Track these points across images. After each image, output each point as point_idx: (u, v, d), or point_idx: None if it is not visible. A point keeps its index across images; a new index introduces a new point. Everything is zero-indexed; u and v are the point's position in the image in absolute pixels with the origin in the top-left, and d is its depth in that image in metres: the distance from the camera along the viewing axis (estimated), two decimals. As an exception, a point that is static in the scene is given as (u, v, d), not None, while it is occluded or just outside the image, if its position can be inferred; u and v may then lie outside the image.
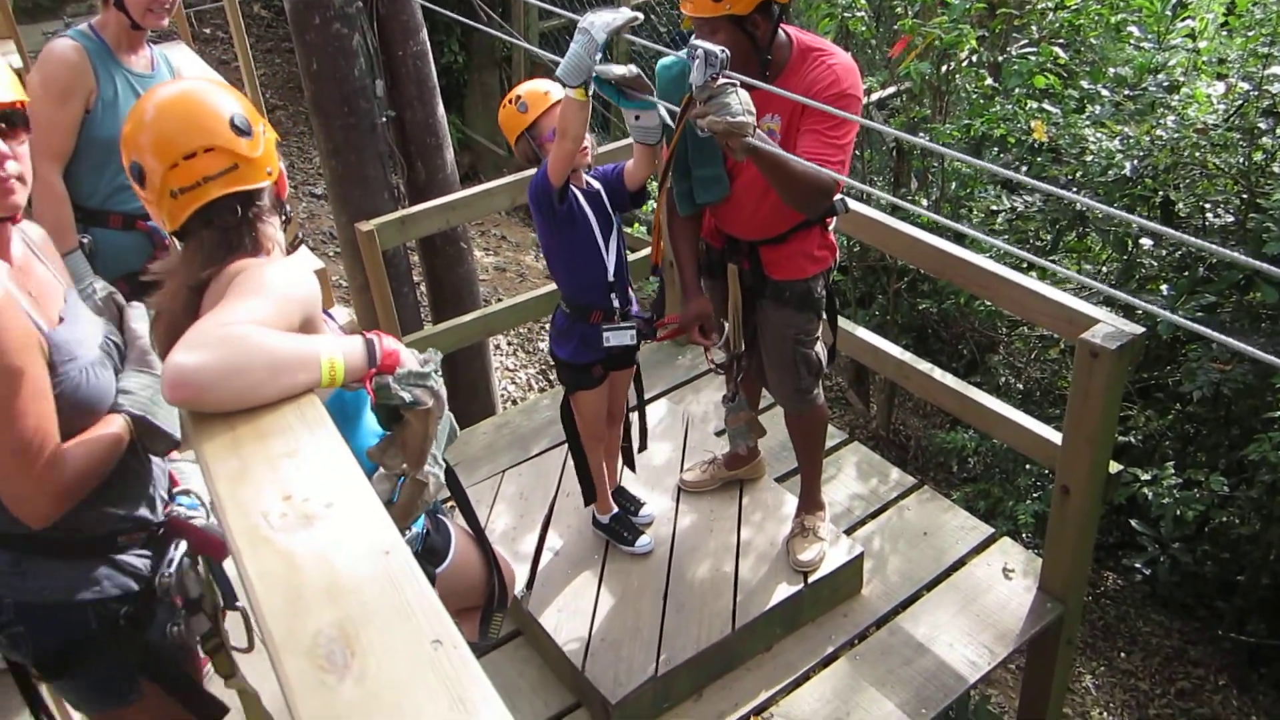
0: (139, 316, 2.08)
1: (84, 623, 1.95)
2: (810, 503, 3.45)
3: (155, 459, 2.10)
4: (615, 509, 3.46)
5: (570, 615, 3.21)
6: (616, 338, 3.02)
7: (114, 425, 1.88)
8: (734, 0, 2.57)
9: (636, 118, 2.69)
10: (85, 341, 1.91)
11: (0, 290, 1.70)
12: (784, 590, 3.24)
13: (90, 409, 1.87)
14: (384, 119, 4.51)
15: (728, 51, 2.28)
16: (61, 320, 1.89)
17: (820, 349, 3.16)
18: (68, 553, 1.94)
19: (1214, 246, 1.43)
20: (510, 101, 2.91)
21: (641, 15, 2.45)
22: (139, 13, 3.11)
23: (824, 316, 3.12)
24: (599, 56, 2.46)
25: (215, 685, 2.26)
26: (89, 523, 1.93)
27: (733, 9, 2.57)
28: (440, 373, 1.76)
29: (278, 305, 1.60)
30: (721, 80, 2.29)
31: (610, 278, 2.97)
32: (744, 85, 2.33)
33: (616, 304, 3.02)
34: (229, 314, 1.55)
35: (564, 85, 2.52)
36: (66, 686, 2.10)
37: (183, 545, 2.06)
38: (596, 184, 2.95)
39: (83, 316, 1.97)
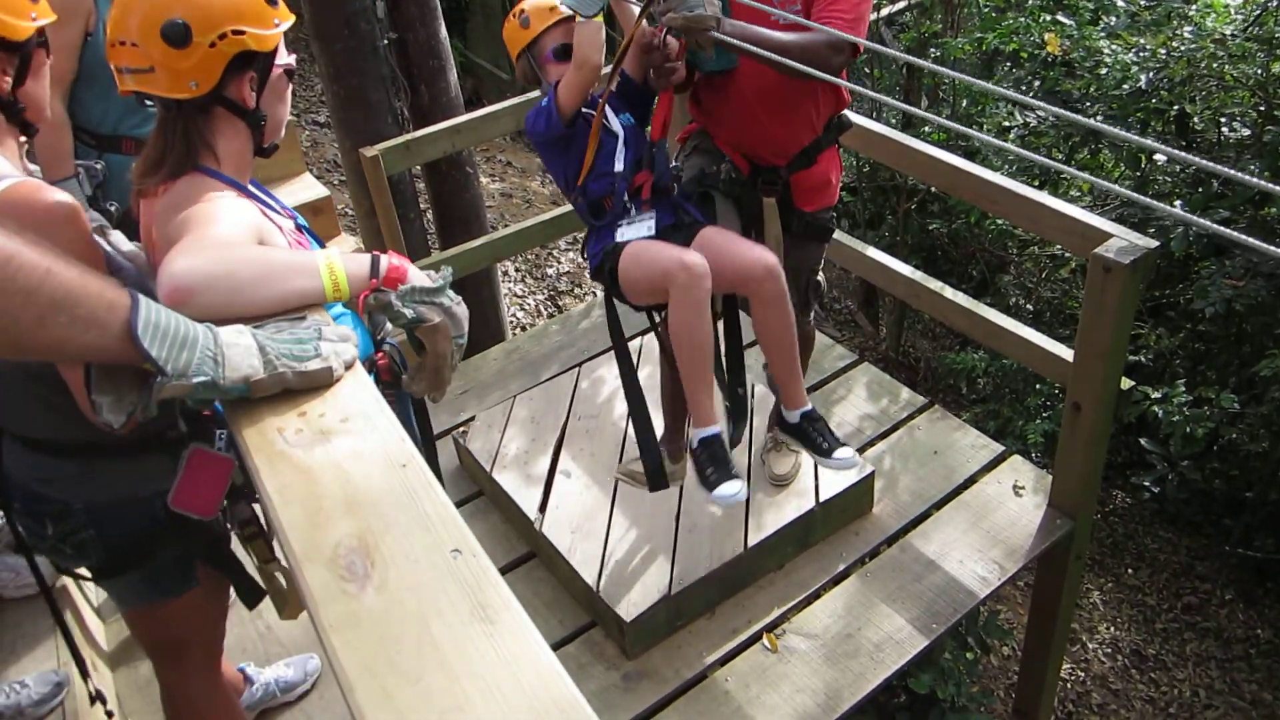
0: (121, 239, 2.08)
1: (152, 514, 2.02)
2: None
3: None
4: (717, 426, 2.64)
5: (584, 536, 3.24)
6: (631, 231, 2.64)
7: None
8: None
9: None
10: (118, 257, 1.93)
11: (69, 197, 1.71)
12: (796, 509, 3.27)
13: None
14: (385, 41, 4.43)
15: None
16: None
17: (821, 274, 3.13)
18: (129, 451, 2.00)
19: (1219, 167, 1.40)
20: (514, 15, 2.73)
21: None
22: None
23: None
24: None
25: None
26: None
27: None
28: (453, 293, 1.70)
29: (243, 227, 1.60)
30: None
31: (619, 168, 2.66)
32: None
33: (628, 200, 2.67)
34: (212, 228, 1.54)
35: (579, 15, 2.40)
36: (123, 584, 2.18)
37: (225, 432, 2.09)
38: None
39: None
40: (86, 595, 3.23)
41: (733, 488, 2.53)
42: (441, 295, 1.64)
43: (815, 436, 2.73)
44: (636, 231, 2.64)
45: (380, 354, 2.00)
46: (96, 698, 2.39)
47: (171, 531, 2.06)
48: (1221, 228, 1.28)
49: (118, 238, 2.06)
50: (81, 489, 2.01)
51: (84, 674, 2.38)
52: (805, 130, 2.78)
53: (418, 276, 1.63)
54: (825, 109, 2.78)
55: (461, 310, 1.68)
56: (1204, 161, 1.53)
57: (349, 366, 1.38)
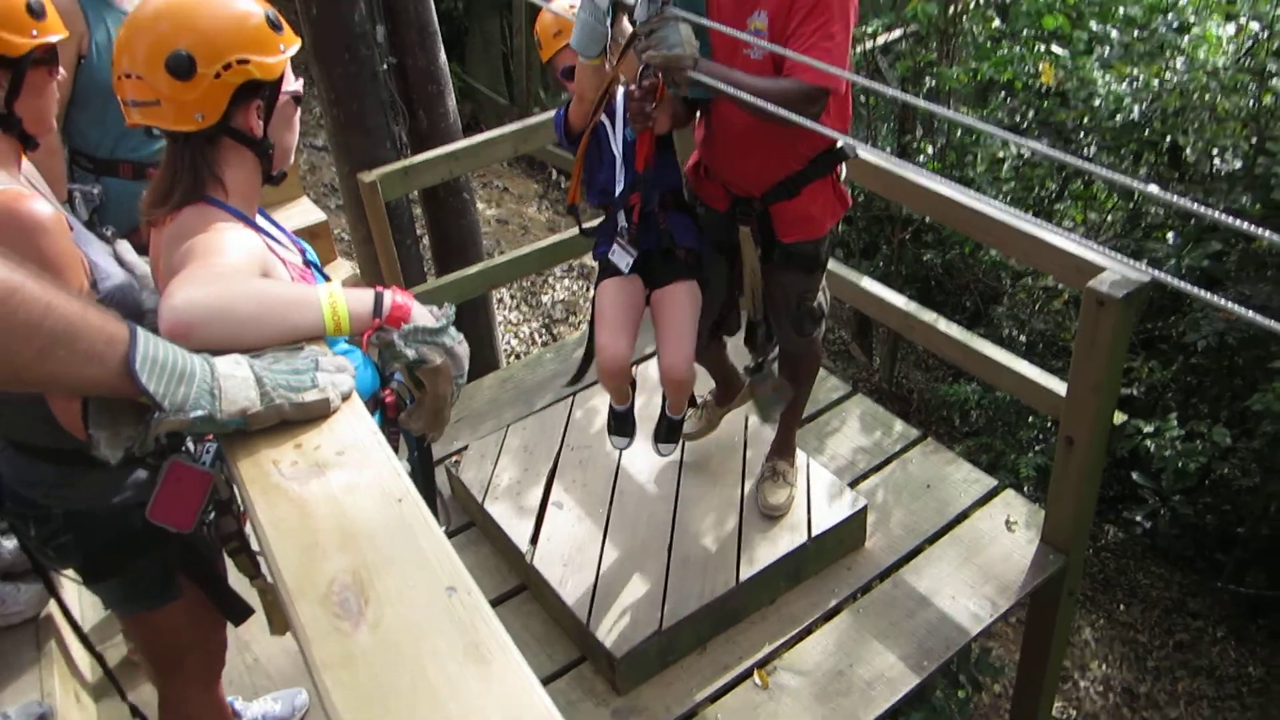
0: (127, 249, 2.10)
1: (129, 523, 2.04)
2: (784, 447, 3.45)
3: None
4: (629, 403, 3.27)
5: (575, 569, 3.22)
6: (619, 255, 2.96)
7: None
8: None
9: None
10: (109, 262, 1.96)
11: (48, 208, 1.71)
12: (788, 543, 3.25)
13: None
14: (385, 66, 4.44)
15: None
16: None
17: (822, 298, 3.14)
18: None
19: (1200, 208, 1.41)
20: (535, 32, 2.97)
21: None
22: None
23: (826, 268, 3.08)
24: (609, 20, 2.37)
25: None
26: None
27: None
28: (455, 332, 1.69)
29: (246, 259, 1.59)
30: (668, 11, 2.25)
31: (618, 190, 2.88)
32: (690, 21, 2.30)
33: (623, 221, 2.93)
34: (215, 259, 1.53)
35: (580, 57, 2.48)
36: (108, 589, 2.21)
37: (215, 445, 2.09)
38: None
39: (94, 241, 2.00)
40: (75, 622, 3.19)
41: (622, 441, 3.33)
42: (444, 335, 1.63)
43: (662, 430, 3.33)
44: (620, 259, 2.96)
45: (387, 390, 1.99)
46: None
47: (150, 543, 2.07)
48: (1188, 286, 1.28)
49: (124, 247, 2.08)
50: (60, 495, 2.04)
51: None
52: (781, 164, 2.79)
53: (421, 315, 1.62)
54: (811, 143, 2.75)
55: (463, 350, 1.67)
56: (1186, 202, 1.53)
57: (346, 398, 1.37)
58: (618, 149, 2.84)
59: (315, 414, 1.33)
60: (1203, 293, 1.41)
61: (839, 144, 2.80)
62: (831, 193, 2.90)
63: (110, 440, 1.29)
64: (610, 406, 3.29)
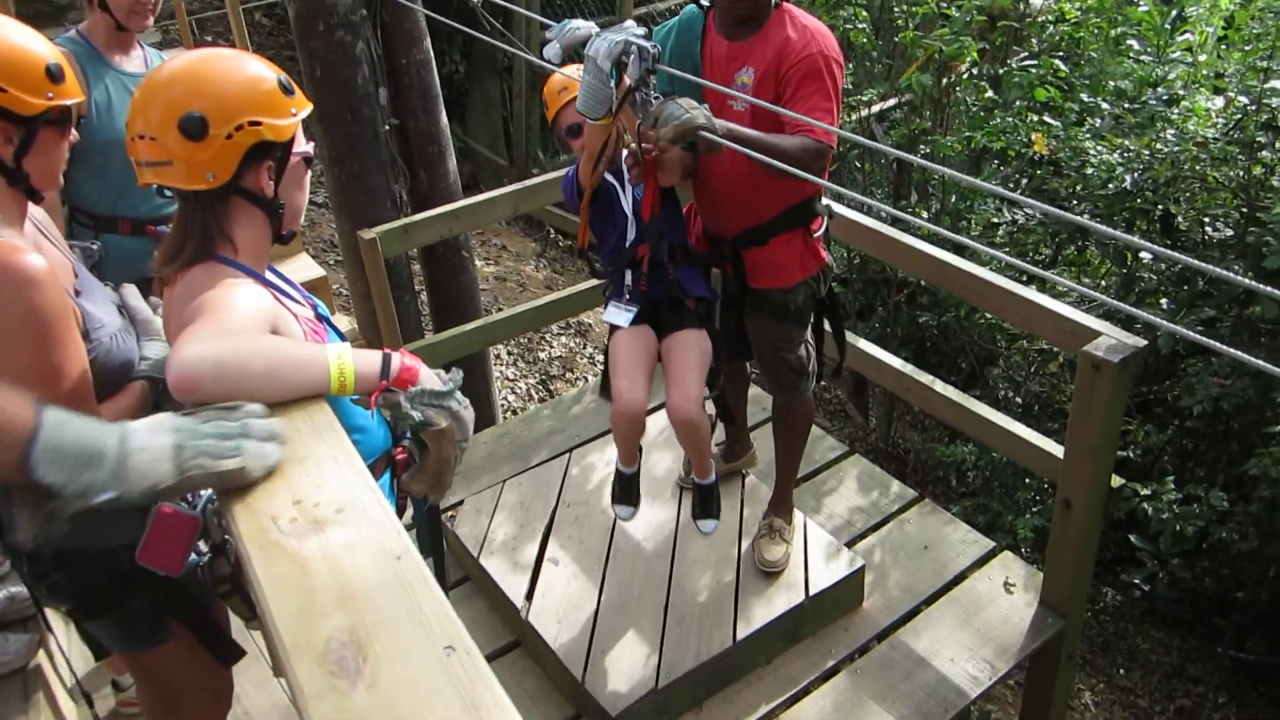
0: (132, 294, 2.13)
1: (118, 564, 2.04)
2: (780, 504, 3.45)
3: None
4: (636, 466, 3.26)
5: (570, 626, 3.19)
6: (615, 315, 2.98)
7: (136, 389, 1.96)
8: None
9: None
10: (107, 310, 1.99)
11: (41, 262, 1.74)
12: (785, 603, 3.23)
13: (120, 373, 1.95)
14: (387, 127, 4.51)
15: (659, 47, 2.34)
16: (79, 293, 1.94)
17: (804, 351, 3.18)
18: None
19: (1200, 263, 1.43)
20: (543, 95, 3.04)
21: (644, 29, 2.42)
22: (123, 14, 3.11)
23: (809, 325, 3.16)
24: (612, 82, 2.42)
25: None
26: None
27: None
28: (462, 396, 1.70)
29: (255, 315, 1.61)
30: (657, 103, 2.35)
31: (627, 245, 2.93)
32: (682, 79, 2.45)
33: (629, 280, 2.97)
34: (225, 315, 1.55)
35: (587, 118, 2.52)
36: (100, 627, 2.22)
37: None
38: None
39: (96, 288, 2.03)
40: (60, 674, 3.16)
41: (624, 510, 3.27)
42: (450, 399, 1.64)
43: (697, 505, 3.22)
44: (617, 317, 2.98)
45: (400, 449, 2.00)
46: None
47: (140, 584, 2.07)
48: (1196, 335, 1.30)
49: (130, 292, 2.11)
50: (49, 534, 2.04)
51: None
52: (754, 212, 2.93)
53: (428, 378, 1.63)
54: (784, 197, 2.89)
55: (469, 414, 1.68)
56: (1188, 258, 1.56)
57: (269, 470, 1.33)
58: (629, 208, 2.89)
59: (230, 484, 1.31)
60: (1213, 342, 1.42)
61: (819, 200, 2.99)
62: (803, 246, 3.00)
63: (26, 523, 1.30)
64: (616, 470, 3.25)
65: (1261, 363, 1.46)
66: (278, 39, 10.18)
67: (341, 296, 6.53)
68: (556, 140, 3.09)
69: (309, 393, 1.47)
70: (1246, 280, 1.46)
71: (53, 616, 2.37)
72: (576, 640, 3.14)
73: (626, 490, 3.25)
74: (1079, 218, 1.56)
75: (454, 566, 3.68)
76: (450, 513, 3.83)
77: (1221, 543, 5.16)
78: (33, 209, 2.06)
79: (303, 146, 1.83)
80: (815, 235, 3.01)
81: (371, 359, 1.59)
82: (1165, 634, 5.84)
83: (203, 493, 2.06)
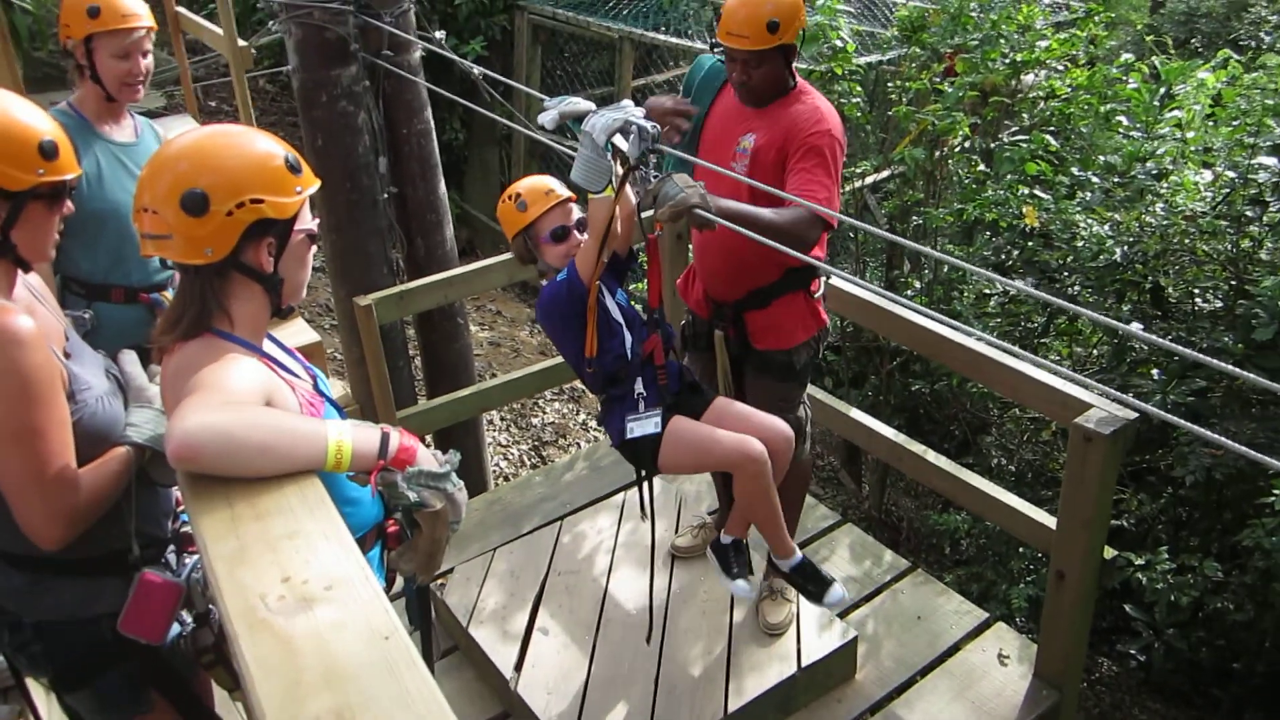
0: (130, 360, 2.15)
1: (98, 635, 2.05)
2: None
3: None
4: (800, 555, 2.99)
5: (560, 698, 3.16)
6: (640, 427, 2.75)
7: (121, 454, 1.97)
8: (786, 29, 2.67)
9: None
10: (95, 374, 2.02)
11: (29, 323, 1.78)
12: (777, 674, 3.20)
13: (103, 437, 1.97)
14: (386, 195, 4.56)
15: (659, 127, 2.35)
16: (69, 355, 1.98)
17: (802, 413, 3.22)
18: (81, 570, 2.04)
19: (1185, 350, 1.45)
20: (510, 198, 2.80)
21: (642, 111, 2.45)
22: (114, 87, 3.15)
23: (806, 385, 3.20)
24: (609, 155, 2.42)
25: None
26: (101, 541, 2.01)
27: (784, 39, 2.69)
28: (457, 478, 1.71)
29: (251, 389, 1.62)
30: (655, 180, 2.40)
31: (630, 355, 2.77)
32: (676, 157, 2.55)
33: (640, 388, 2.77)
34: (223, 388, 1.57)
35: (590, 193, 2.49)
36: (82, 698, 2.20)
37: (195, 559, 2.09)
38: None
39: (86, 352, 2.07)
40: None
41: (744, 589, 2.96)
42: (446, 481, 1.65)
43: (806, 585, 2.96)
44: (644, 428, 2.75)
45: (391, 521, 2.00)
46: None
47: (119, 655, 2.07)
48: (1177, 419, 1.31)
49: (127, 359, 2.14)
50: (30, 604, 2.05)
51: None
52: (755, 276, 2.98)
53: (425, 458, 1.64)
54: (781, 262, 2.90)
55: (462, 497, 1.69)
56: (1166, 343, 1.58)
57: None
58: (618, 315, 2.76)
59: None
60: (1192, 425, 1.44)
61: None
62: (804, 307, 3.05)
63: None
64: (716, 543, 3.01)
65: (1236, 444, 1.47)
66: (280, 105, 10.33)
67: (336, 361, 6.54)
68: (525, 252, 2.93)
69: (305, 468, 1.48)
70: (1226, 365, 1.48)
71: (34, 688, 2.33)
72: (566, 713, 3.10)
73: (740, 555, 3.00)
74: (1056, 298, 1.59)
75: (443, 636, 3.64)
76: (440, 581, 3.80)
77: (1217, 613, 5.12)
78: (28, 277, 2.09)
79: (307, 223, 1.83)
80: (815, 296, 3.07)
81: (370, 438, 1.59)
82: (1162, 705, 5.77)
83: (187, 561, 2.06)
